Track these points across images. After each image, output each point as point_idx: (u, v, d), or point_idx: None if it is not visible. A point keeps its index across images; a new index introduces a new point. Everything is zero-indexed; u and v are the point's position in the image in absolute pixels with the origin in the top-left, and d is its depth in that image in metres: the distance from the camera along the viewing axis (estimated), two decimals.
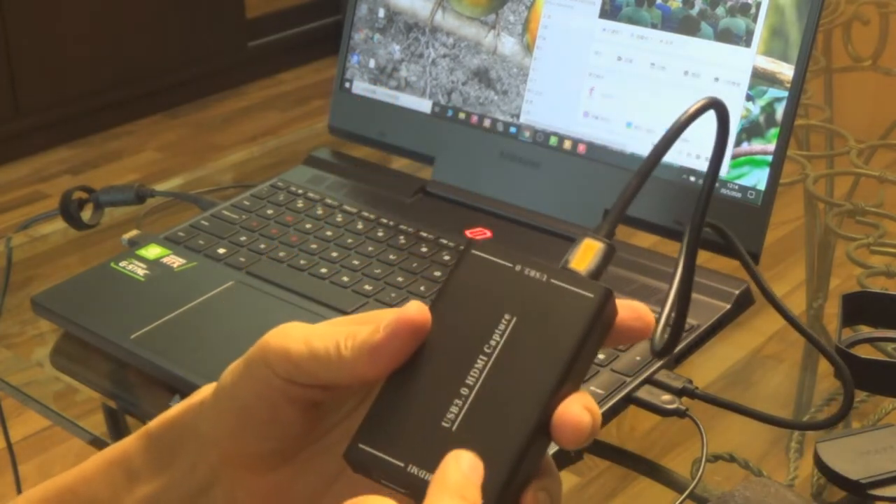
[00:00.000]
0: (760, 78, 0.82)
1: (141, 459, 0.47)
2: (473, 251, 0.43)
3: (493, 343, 0.41)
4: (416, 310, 0.42)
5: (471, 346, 0.41)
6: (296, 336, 0.43)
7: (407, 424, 0.41)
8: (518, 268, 0.42)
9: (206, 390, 0.46)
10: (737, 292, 0.80)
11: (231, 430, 0.45)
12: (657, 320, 0.47)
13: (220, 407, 0.45)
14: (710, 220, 0.70)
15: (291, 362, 0.43)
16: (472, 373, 0.41)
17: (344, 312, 0.80)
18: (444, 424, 0.40)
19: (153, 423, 0.48)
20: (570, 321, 0.41)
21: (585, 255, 0.43)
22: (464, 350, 0.41)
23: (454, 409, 0.40)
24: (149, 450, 0.47)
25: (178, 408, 0.47)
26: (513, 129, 0.93)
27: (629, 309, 0.43)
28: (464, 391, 0.41)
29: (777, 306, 0.70)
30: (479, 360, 0.41)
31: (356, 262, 0.86)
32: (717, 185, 0.83)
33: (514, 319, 0.41)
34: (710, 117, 0.47)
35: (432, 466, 0.39)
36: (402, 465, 0.40)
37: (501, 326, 0.41)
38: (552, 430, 0.40)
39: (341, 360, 0.42)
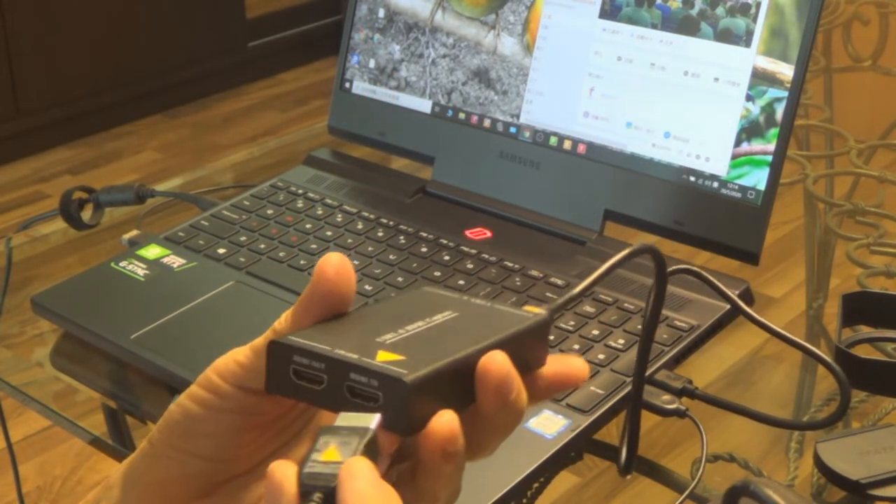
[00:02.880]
0: (760, 78, 0.82)
1: None
2: (423, 288, 0.48)
3: (434, 319, 0.44)
4: (333, 256, 0.44)
5: (411, 315, 0.44)
6: (241, 347, 0.45)
7: (342, 332, 0.43)
8: (465, 298, 0.46)
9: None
10: (737, 292, 0.80)
11: (161, 448, 0.44)
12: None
13: (155, 432, 0.45)
14: (690, 267, 0.72)
15: (237, 363, 0.44)
16: (409, 325, 0.43)
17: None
18: (377, 339, 0.42)
19: (113, 474, 0.48)
20: (506, 323, 0.44)
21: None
22: (404, 316, 0.44)
23: (390, 335, 0.42)
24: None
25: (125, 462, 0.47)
26: (513, 129, 0.93)
27: (560, 359, 0.45)
28: (401, 331, 0.42)
29: (760, 324, 0.70)
30: (418, 321, 0.43)
31: (356, 263, 0.86)
32: (717, 185, 0.83)
33: (457, 314, 0.45)
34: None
35: (361, 353, 0.40)
36: (328, 348, 0.41)
37: (445, 313, 0.44)
38: (478, 374, 0.41)
39: (276, 336, 0.43)
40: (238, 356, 0.44)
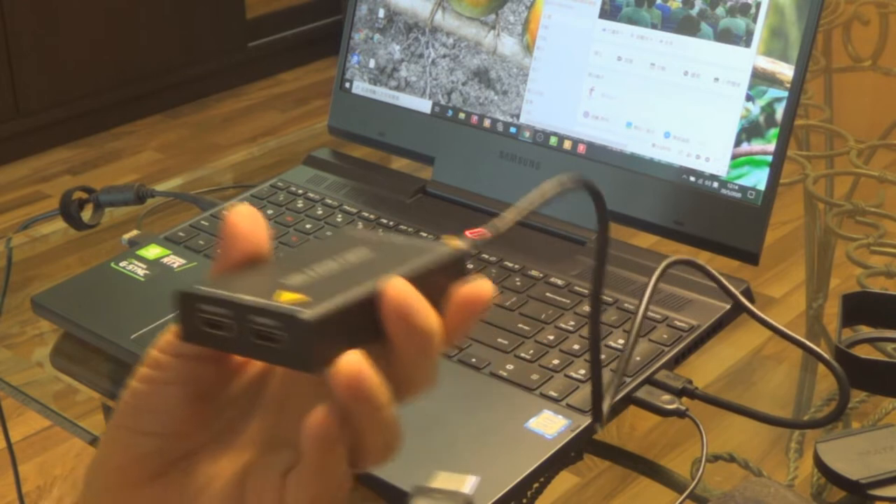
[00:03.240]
0: (760, 78, 0.82)
1: None
2: (344, 228, 0.47)
3: (346, 257, 0.44)
4: (240, 206, 0.45)
5: (324, 254, 0.44)
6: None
7: (248, 278, 0.43)
8: (385, 235, 0.46)
9: None
10: (737, 292, 0.80)
11: (123, 431, 0.45)
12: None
13: (116, 414, 0.46)
14: (687, 258, 0.72)
15: (172, 331, 0.44)
16: (319, 265, 0.43)
17: None
18: (282, 280, 0.42)
19: (77, 470, 0.48)
20: (420, 255, 0.43)
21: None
22: (317, 256, 0.44)
23: (296, 277, 0.42)
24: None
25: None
26: (513, 129, 0.93)
27: (472, 283, 0.44)
28: (308, 271, 0.42)
29: (761, 320, 0.70)
30: (328, 261, 0.43)
31: None
32: (717, 185, 0.83)
33: (371, 252, 0.44)
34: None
35: (262, 295, 0.40)
36: (230, 293, 0.41)
37: (358, 251, 0.44)
38: (382, 299, 0.40)
39: None
40: (174, 326, 0.44)
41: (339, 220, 0.93)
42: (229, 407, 0.46)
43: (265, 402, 0.46)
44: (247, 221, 0.45)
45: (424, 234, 0.89)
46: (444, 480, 0.41)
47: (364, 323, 0.41)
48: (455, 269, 0.44)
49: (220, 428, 0.46)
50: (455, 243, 0.45)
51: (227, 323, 0.41)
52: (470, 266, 0.45)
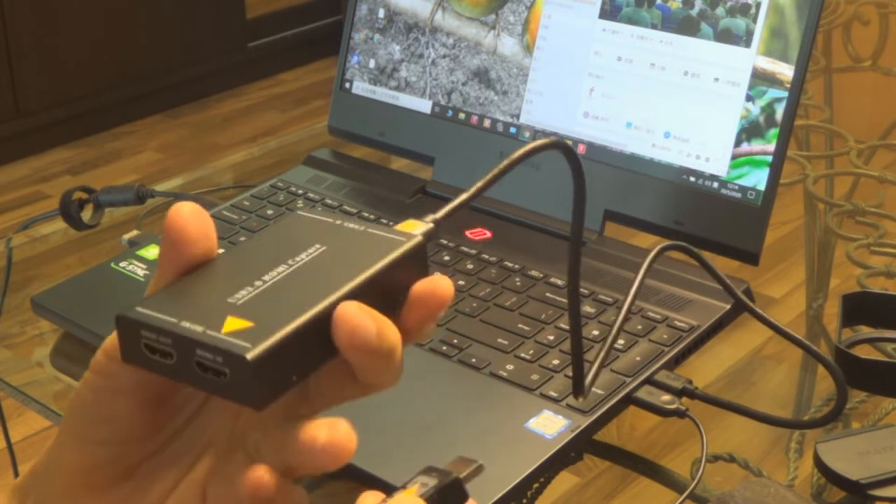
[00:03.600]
0: (760, 78, 0.82)
1: None
2: (297, 211, 0.45)
3: (298, 259, 0.41)
4: (183, 206, 0.42)
5: (275, 256, 0.42)
6: None
7: (191, 297, 0.40)
8: (338, 222, 0.43)
9: None
10: (733, 287, 0.80)
11: (74, 439, 0.44)
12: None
13: (64, 420, 0.44)
14: (684, 244, 0.72)
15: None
16: (269, 273, 0.41)
17: None
18: (229, 300, 0.40)
19: (16, 480, 0.47)
20: (377, 252, 0.41)
21: (405, 228, 0.44)
22: (267, 259, 0.41)
23: (244, 292, 0.40)
24: None
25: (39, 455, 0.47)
26: (513, 130, 0.93)
27: (426, 279, 0.42)
28: (258, 283, 0.40)
29: (759, 316, 0.70)
30: (280, 267, 0.41)
31: None
32: (717, 185, 0.83)
33: (325, 248, 0.42)
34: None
35: (207, 324, 0.38)
36: (174, 321, 0.39)
37: (311, 250, 0.42)
38: (332, 328, 0.39)
39: None
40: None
41: None
42: (184, 407, 0.45)
43: (220, 402, 0.44)
44: (194, 223, 0.42)
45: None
46: (455, 464, 0.42)
47: (315, 344, 0.39)
48: (414, 261, 0.42)
49: (176, 428, 0.45)
50: (412, 229, 0.43)
51: (169, 351, 0.39)
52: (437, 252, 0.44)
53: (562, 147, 0.48)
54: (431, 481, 0.41)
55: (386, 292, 0.41)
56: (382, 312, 0.40)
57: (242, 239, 0.90)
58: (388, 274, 0.41)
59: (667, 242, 0.73)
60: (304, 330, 0.38)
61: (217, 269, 0.42)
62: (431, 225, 0.44)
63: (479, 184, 0.45)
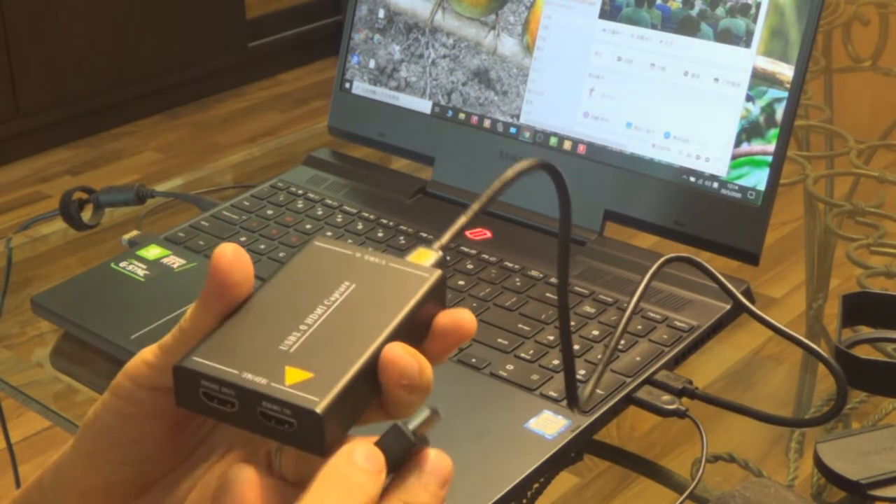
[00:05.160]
0: (760, 78, 0.82)
1: None
2: (315, 242, 0.46)
3: (333, 299, 0.43)
4: (226, 248, 0.43)
5: (311, 297, 0.43)
6: (151, 346, 0.44)
7: (245, 345, 0.42)
8: (358, 255, 0.45)
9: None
10: (733, 288, 0.80)
11: (90, 459, 0.44)
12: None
13: (79, 439, 0.45)
14: (687, 256, 0.72)
15: (147, 364, 0.43)
16: (311, 315, 0.42)
17: None
18: (281, 347, 0.41)
19: (18, 492, 0.47)
20: (405, 289, 0.43)
21: (419, 259, 0.46)
22: (304, 300, 0.43)
23: (293, 338, 0.41)
24: None
25: (46, 466, 0.47)
26: (513, 130, 0.93)
27: (451, 313, 0.44)
28: (303, 327, 0.42)
29: (759, 317, 0.70)
30: (318, 308, 0.43)
31: None
32: (716, 185, 0.83)
33: (354, 285, 0.44)
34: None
35: (269, 376, 0.40)
36: (236, 372, 0.40)
37: (342, 288, 0.43)
38: (380, 369, 0.41)
39: (184, 336, 0.42)
40: (147, 356, 0.43)
41: (338, 220, 0.93)
42: (203, 425, 0.46)
43: None
44: (238, 266, 0.42)
45: (423, 234, 0.89)
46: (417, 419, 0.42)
47: (365, 387, 0.41)
48: (436, 294, 0.44)
49: (196, 445, 0.46)
50: (425, 259, 0.45)
51: (230, 401, 0.40)
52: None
53: (548, 168, 0.50)
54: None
55: (415, 327, 0.43)
56: (412, 346, 0.42)
57: (243, 239, 0.90)
58: (417, 310, 0.43)
59: (670, 255, 0.73)
60: (358, 376, 0.40)
61: (258, 310, 0.43)
62: (440, 254, 0.46)
63: (475, 206, 0.47)
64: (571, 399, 0.66)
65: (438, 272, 0.44)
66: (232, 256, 0.42)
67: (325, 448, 0.39)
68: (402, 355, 0.40)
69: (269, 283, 0.44)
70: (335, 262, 0.45)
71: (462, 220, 0.47)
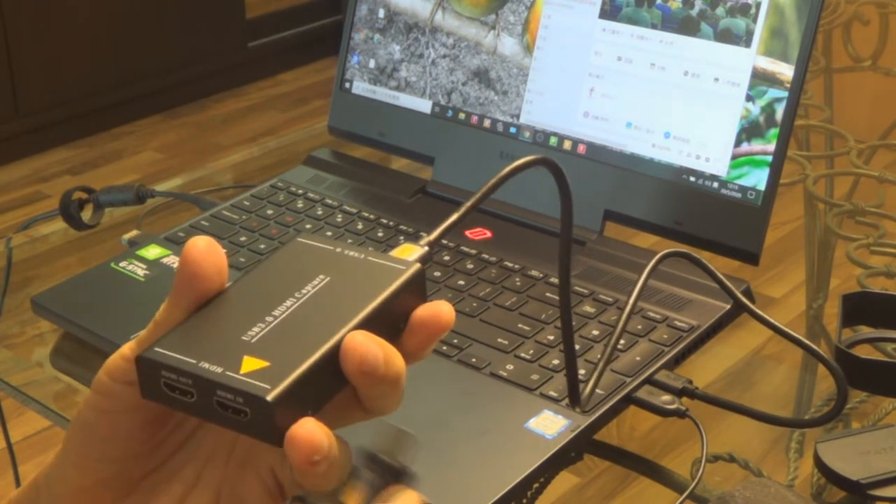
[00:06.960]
0: (760, 78, 0.82)
1: None
2: (297, 238, 0.46)
3: (304, 291, 0.43)
4: (198, 241, 0.43)
5: (282, 290, 0.43)
6: (130, 342, 0.44)
7: (208, 336, 0.42)
8: (338, 250, 0.45)
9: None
10: (732, 287, 0.80)
11: (77, 457, 0.44)
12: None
13: (67, 438, 0.45)
14: (685, 252, 0.72)
15: (123, 358, 0.43)
16: (279, 308, 0.42)
17: None
18: (243, 338, 0.41)
19: (15, 493, 0.48)
20: (379, 282, 0.43)
21: (402, 253, 0.46)
22: (275, 293, 0.43)
23: (256, 329, 0.41)
24: None
25: (39, 470, 0.47)
26: (513, 130, 0.93)
27: (429, 305, 0.43)
28: (269, 318, 0.42)
29: (758, 316, 0.70)
30: (288, 300, 0.42)
31: None
32: (716, 185, 0.83)
33: (328, 278, 0.44)
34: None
35: (226, 365, 0.40)
36: (194, 361, 0.40)
37: (315, 281, 0.43)
38: (340, 357, 0.40)
39: (157, 328, 0.43)
40: (125, 351, 0.43)
41: (339, 220, 0.93)
42: (184, 423, 0.45)
43: None
44: (210, 258, 0.42)
45: (423, 234, 0.89)
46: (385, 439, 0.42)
47: (327, 377, 0.40)
48: (414, 287, 0.44)
49: (176, 444, 0.45)
50: (408, 254, 0.45)
51: (189, 391, 0.40)
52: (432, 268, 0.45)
53: (548, 164, 0.50)
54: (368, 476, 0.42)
55: (389, 320, 0.42)
56: (386, 339, 0.41)
57: (243, 239, 0.90)
58: (391, 303, 0.42)
59: (667, 250, 0.73)
60: (317, 366, 0.40)
61: (228, 303, 0.43)
62: (426, 249, 0.46)
63: (469, 203, 0.47)
64: (574, 398, 0.66)
65: (417, 265, 0.44)
66: (204, 248, 0.42)
67: (279, 437, 0.39)
68: (363, 342, 0.40)
69: (245, 277, 0.44)
70: (314, 257, 0.45)
71: (454, 216, 0.47)
